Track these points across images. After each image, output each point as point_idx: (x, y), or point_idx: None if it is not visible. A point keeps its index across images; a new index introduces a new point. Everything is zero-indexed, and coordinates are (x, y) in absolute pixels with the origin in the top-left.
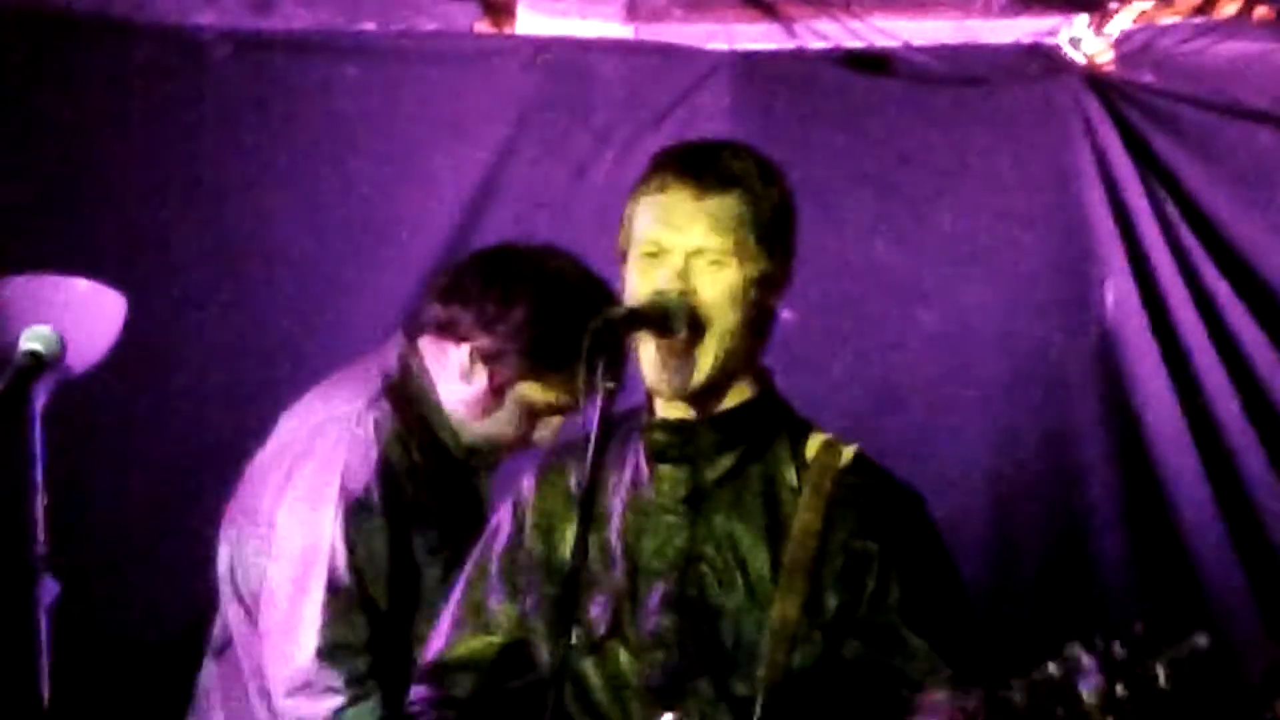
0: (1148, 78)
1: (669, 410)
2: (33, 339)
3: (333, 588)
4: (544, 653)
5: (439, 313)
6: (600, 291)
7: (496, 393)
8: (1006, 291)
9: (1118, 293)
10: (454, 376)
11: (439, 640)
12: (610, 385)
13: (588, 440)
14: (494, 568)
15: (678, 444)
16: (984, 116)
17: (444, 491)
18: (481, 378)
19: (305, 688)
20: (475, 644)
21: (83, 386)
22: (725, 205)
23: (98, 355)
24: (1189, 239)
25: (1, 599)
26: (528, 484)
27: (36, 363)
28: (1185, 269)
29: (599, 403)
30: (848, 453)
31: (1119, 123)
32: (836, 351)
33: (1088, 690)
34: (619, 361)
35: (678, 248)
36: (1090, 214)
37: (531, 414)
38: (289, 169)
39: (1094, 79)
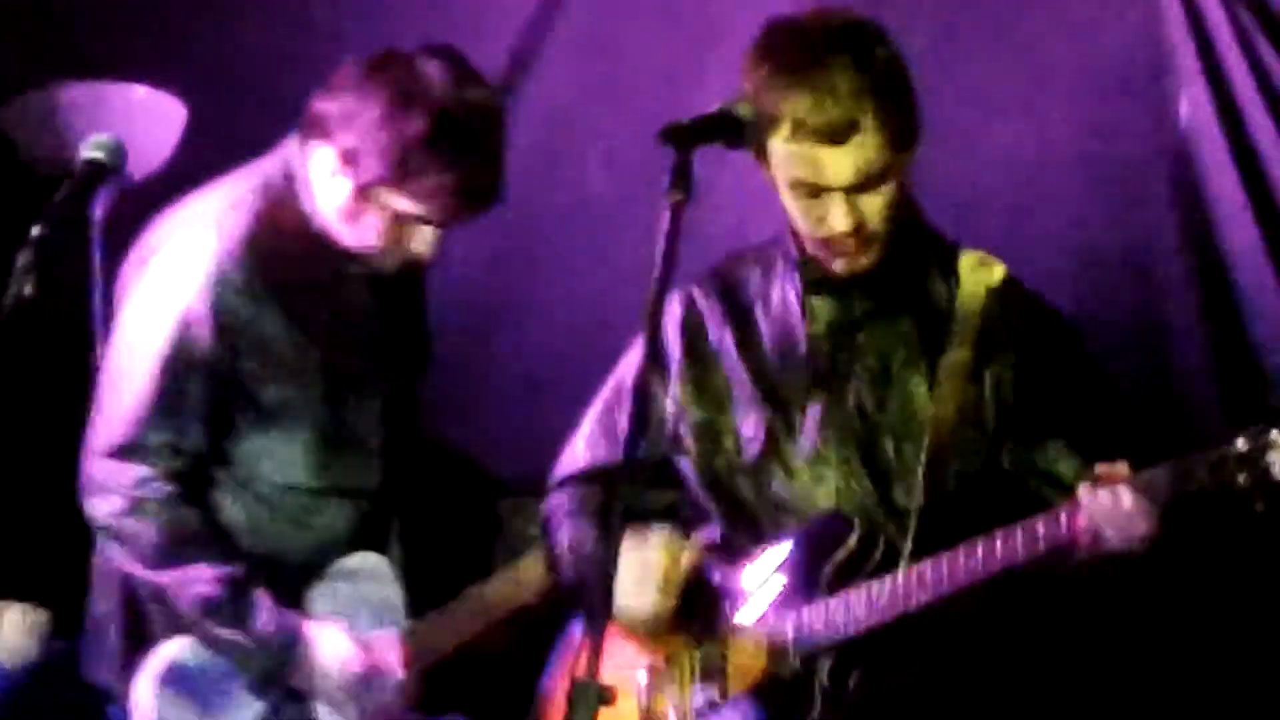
0: None
1: (822, 260)
2: (95, 147)
3: (168, 375)
4: (689, 465)
5: (314, 109)
6: (473, 98)
7: (361, 197)
8: (1082, 105)
9: (1192, 103)
10: (324, 177)
11: (577, 455)
12: (679, 198)
13: (737, 262)
14: (653, 376)
15: (832, 278)
16: None
17: (319, 293)
18: (346, 179)
19: (89, 485)
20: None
21: (142, 193)
22: (863, 137)
23: (159, 163)
24: (1265, 48)
25: (64, 406)
26: (672, 309)
27: (98, 171)
28: (1261, 78)
29: (667, 217)
30: (998, 272)
31: None
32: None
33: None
34: (687, 173)
35: (833, 187)
36: (1165, 24)
37: (398, 223)
38: None
39: None
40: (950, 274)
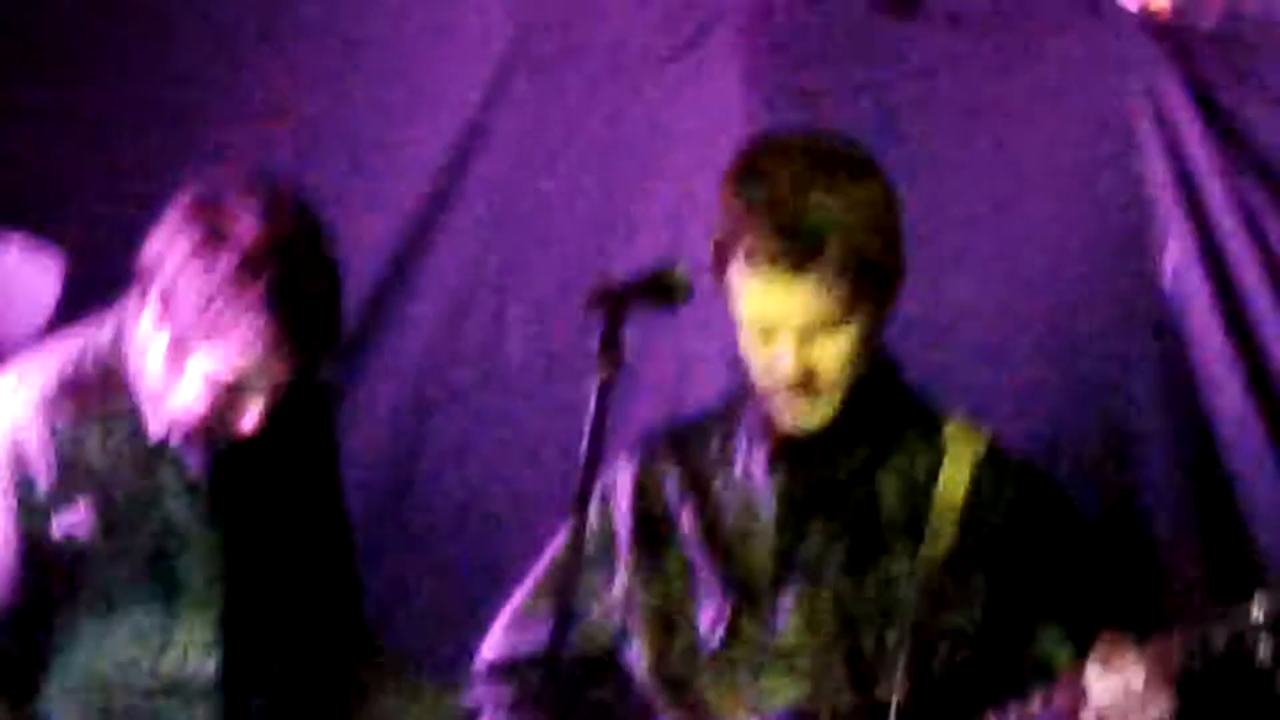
0: (1213, 18)
1: (785, 414)
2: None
3: None
4: (638, 658)
5: (142, 251)
6: (292, 237)
7: (176, 357)
8: (1055, 260)
9: (1178, 257)
10: (149, 331)
11: (504, 639)
12: (608, 372)
13: (695, 429)
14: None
15: (797, 446)
16: (1027, 65)
17: (132, 476)
18: (163, 334)
19: None
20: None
21: None
22: (823, 270)
23: (30, 329)
24: (1257, 198)
25: None
26: (622, 480)
27: None
28: (1253, 230)
29: (596, 388)
30: (982, 442)
31: (1180, 70)
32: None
33: None
34: (616, 341)
35: (788, 327)
36: (1147, 171)
37: (218, 390)
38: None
39: (1152, 26)
40: (933, 444)
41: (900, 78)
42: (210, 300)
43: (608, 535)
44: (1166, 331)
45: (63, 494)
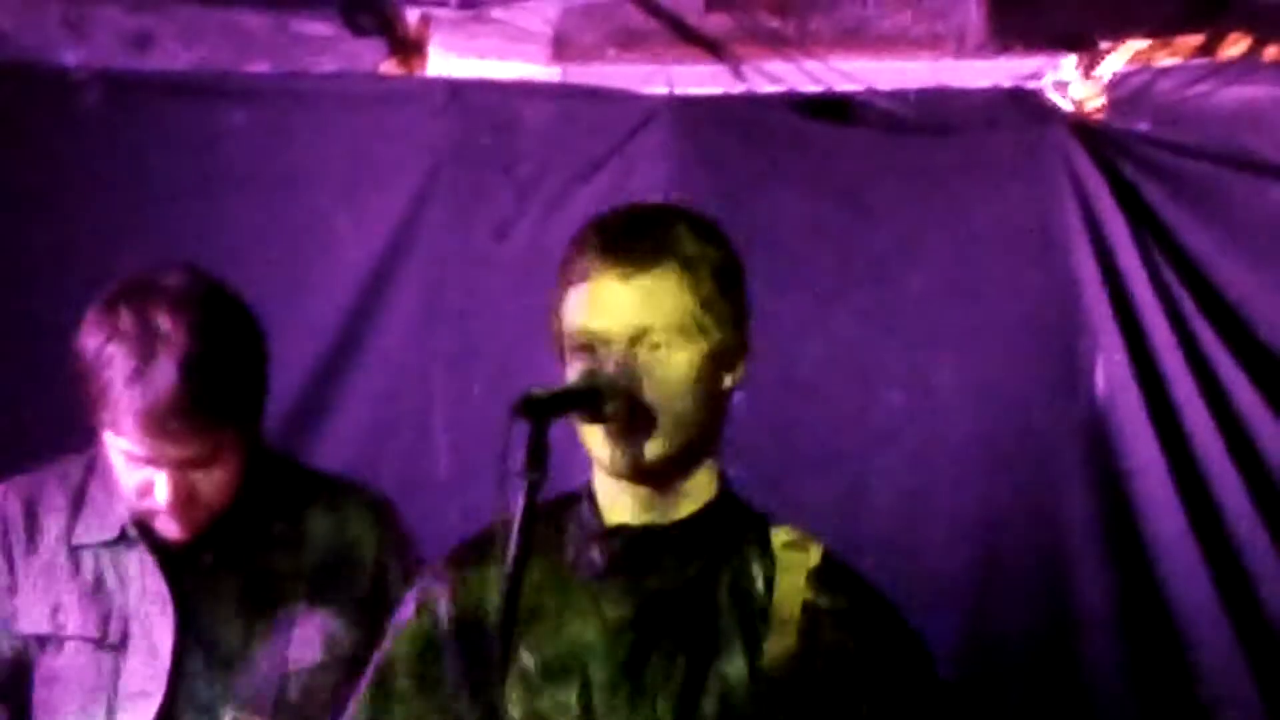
0: (1143, 126)
1: (616, 509)
2: None
3: None
4: None
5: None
6: (161, 303)
7: (108, 442)
8: (985, 367)
9: (1109, 366)
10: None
11: None
12: (534, 477)
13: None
14: (395, 682)
15: (632, 554)
16: (958, 170)
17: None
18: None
19: None
20: None
21: None
22: (659, 279)
23: None
24: (1188, 305)
25: None
26: (440, 585)
27: None
28: (1184, 338)
29: (520, 499)
30: (815, 552)
31: (1110, 176)
32: (791, 437)
33: None
34: (543, 450)
35: (614, 336)
36: (1078, 278)
37: (138, 467)
38: (167, 225)
39: (1083, 127)
40: (765, 552)
41: (830, 181)
42: (91, 379)
43: (426, 644)
44: (1100, 441)
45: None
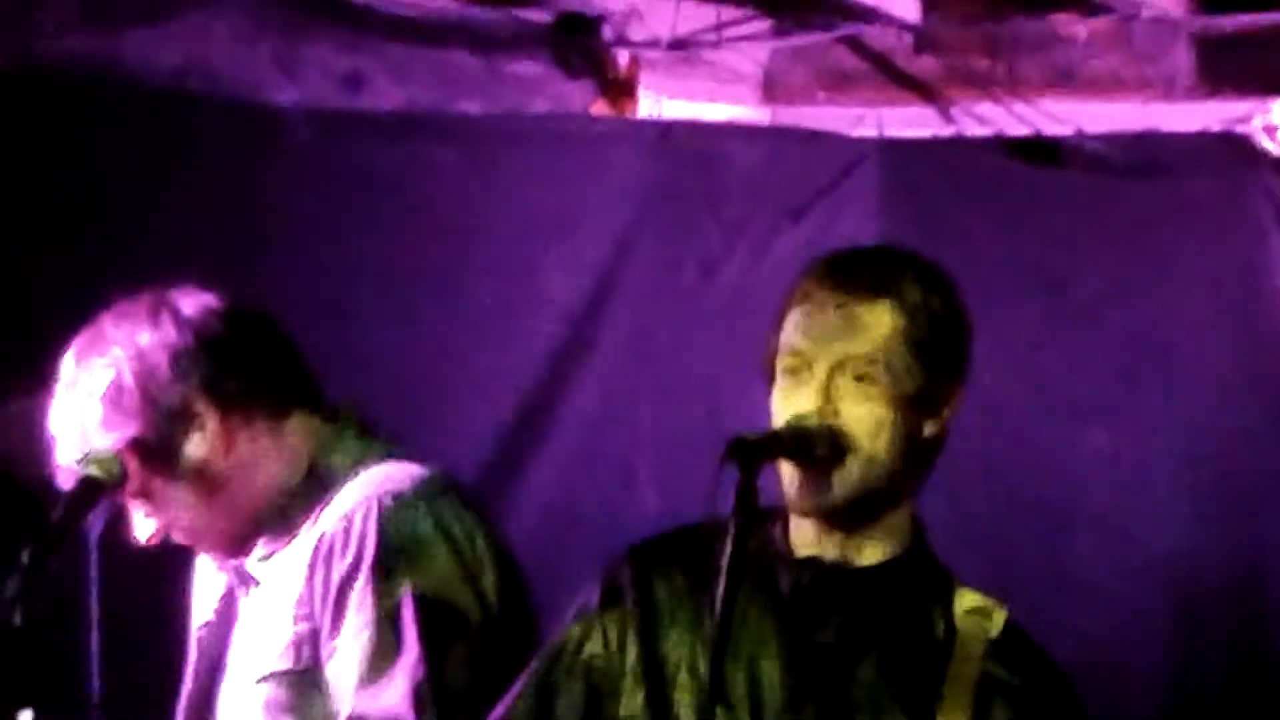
0: None
1: (805, 542)
2: (90, 462)
3: None
4: None
5: None
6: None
7: None
8: (1189, 408)
9: None
10: None
11: None
12: (742, 521)
13: (709, 527)
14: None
15: (818, 591)
16: (1165, 212)
17: None
18: None
19: None
20: None
21: None
22: (873, 313)
23: None
24: None
25: None
26: (627, 592)
27: (94, 488)
28: None
29: (729, 539)
30: (998, 620)
31: None
32: (992, 476)
33: None
34: (752, 494)
35: (820, 360)
36: None
37: None
38: (381, 264)
39: None
40: (946, 613)
41: (1038, 223)
42: None
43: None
44: None
45: None
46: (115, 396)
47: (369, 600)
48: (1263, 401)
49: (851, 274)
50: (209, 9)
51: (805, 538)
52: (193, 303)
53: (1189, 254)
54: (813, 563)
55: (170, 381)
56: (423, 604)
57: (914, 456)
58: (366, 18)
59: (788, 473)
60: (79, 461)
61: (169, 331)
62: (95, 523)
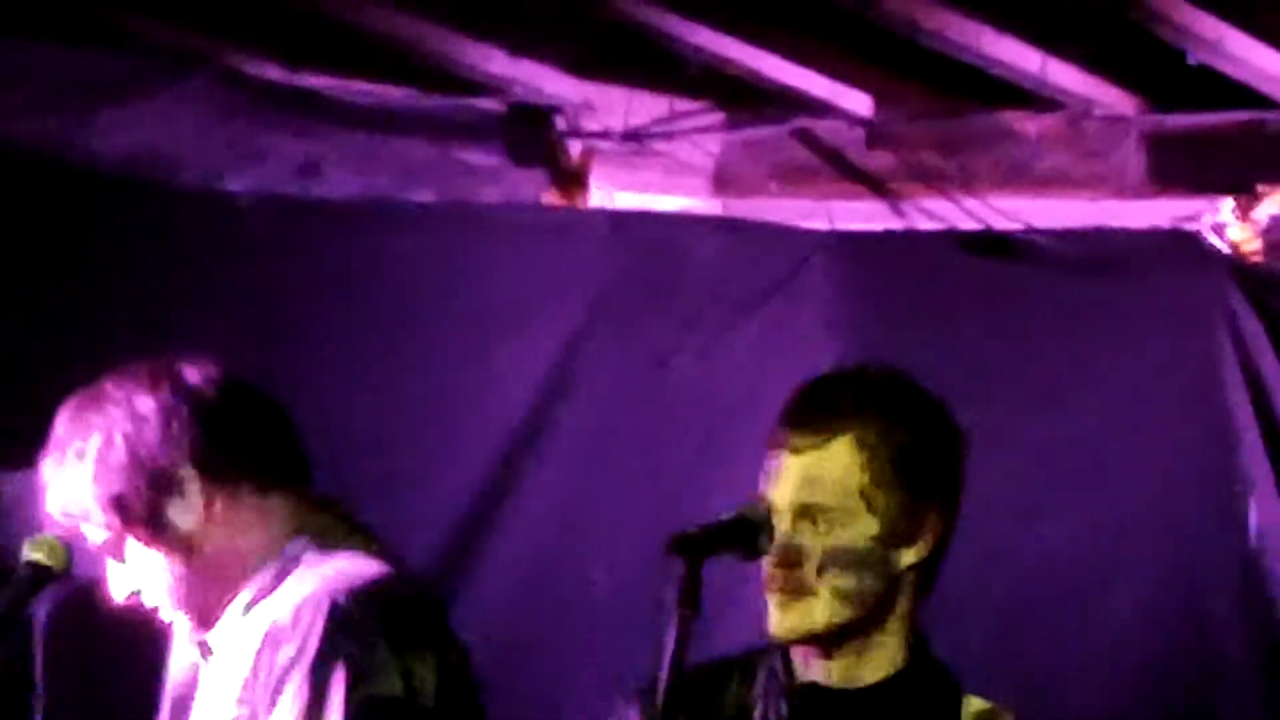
0: None
1: (806, 666)
2: (35, 548)
3: None
4: None
5: None
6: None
7: None
8: (1139, 507)
9: (1263, 512)
10: None
11: None
12: (685, 613)
13: (724, 663)
14: None
15: (820, 717)
16: (1115, 310)
17: None
18: None
19: None
20: None
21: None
22: (825, 459)
23: None
24: None
25: None
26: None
27: (41, 574)
28: None
29: (672, 633)
30: None
31: (1267, 318)
32: (944, 575)
33: None
34: (696, 587)
35: (783, 510)
36: (1234, 419)
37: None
38: (334, 351)
39: (1239, 269)
40: None
41: (992, 317)
42: None
43: None
44: (1256, 582)
45: None
46: (104, 454)
47: (304, 693)
48: (1210, 500)
49: (809, 415)
50: (174, 91)
51: (805, 663)
52: (196, 372)
53: (1139, 348)
54: (814, 688)
55: (158, 445)
56: (354, 701)
57: (891, 583)
58: (324, 106)
59: (769, 601)
60: (28, 545)
61: (166, 397)
62: (41, 607)
